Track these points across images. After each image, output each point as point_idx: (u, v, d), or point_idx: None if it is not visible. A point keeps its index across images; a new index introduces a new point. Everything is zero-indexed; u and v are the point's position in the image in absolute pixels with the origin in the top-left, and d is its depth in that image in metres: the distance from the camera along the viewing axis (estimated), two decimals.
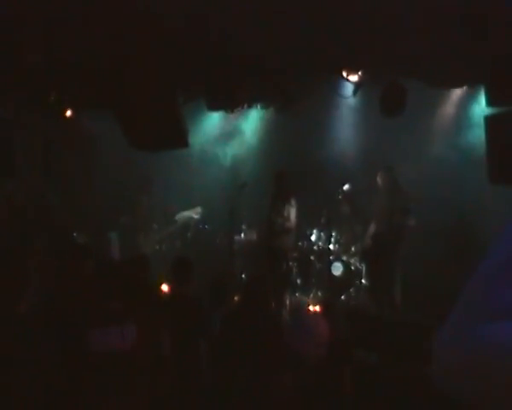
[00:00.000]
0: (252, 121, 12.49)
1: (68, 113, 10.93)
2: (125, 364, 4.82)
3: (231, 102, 10.02)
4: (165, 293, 6.94)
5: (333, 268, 10.49)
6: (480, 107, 8.12)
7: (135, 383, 4.93)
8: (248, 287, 5.93)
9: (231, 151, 12.84)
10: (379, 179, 10.00)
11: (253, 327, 5.53)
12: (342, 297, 10.36)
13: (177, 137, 8.43)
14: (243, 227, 11.37)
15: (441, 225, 10.28)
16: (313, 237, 10.93)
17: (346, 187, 10.65)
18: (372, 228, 10.16)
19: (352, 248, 10.79)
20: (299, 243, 11.00)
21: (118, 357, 4.80)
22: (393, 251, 9.71)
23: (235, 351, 5.51)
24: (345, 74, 9.07)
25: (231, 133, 12.72)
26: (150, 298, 5.99)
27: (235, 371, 5.45)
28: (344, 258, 10.65)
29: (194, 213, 12.13)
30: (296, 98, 10.14)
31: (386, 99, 8.64)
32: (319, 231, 10.88)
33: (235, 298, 9.15)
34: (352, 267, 10.56)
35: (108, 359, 4.78)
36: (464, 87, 9.48)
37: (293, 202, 10.00)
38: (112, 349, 4.81)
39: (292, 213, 9.96)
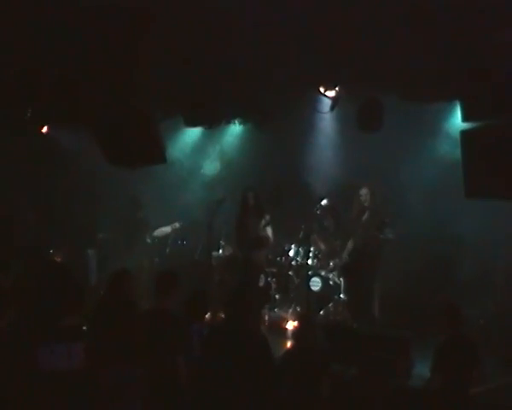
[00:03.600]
0: (230, 137, 12.48)
1: (44, 129, 10.88)
2: (73, 384, 4.70)
3: (209, 118, 10.02)
4: (143, 308, 6.87)
5: (311, 283, 10.46)
6: (456, 121, 8.18)
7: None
8: (229, 303, 5.89)
9: (209, 167, 12.82)
10: (357, 194, 10.04)
11: (234, 342, 5.49)
12: (321, 312, 10.35)
13: (155, 152, 8.40)
14: (221, 243, 11.34)
15: (419, 239, 10.33)
16: (291, 253, 10.92)
17: (323, 202, 10.67)
18: (350, 243, 10.19)
19: (331, 263, 10.79)
20: (278, 259, 10.99)
21: (66, 376, 4.68)
22: (371, 266, 9.73)
23: (217, 367, 5.47)
24: (322, 90, 9.11)
25: (209, 149, 12.72)
26: (112, 315, 5.92)
27: (217, 387, 5.40)
28: (322, 273, 10.63)
29: (172, 229, 12.09)
30: (274, 114, 10.16)
31: (363, 114, 8.68)
32: (297, 246, 10.88)
33: (214, 314, 9.15)
34: (331, 282, 10.55)
35: (57, 378, 4.66)
36: (440, 102, 9.55)
37: (267, 217, 10.07)
38: (59, 368, 4.68)
39: (268, 230, 10.01)
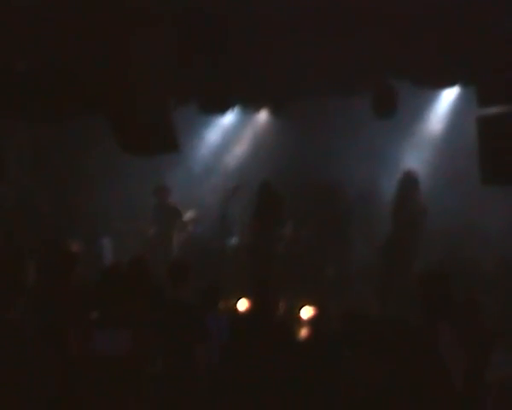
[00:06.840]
0: (244, 124, 12.45)
1: (58, 117, 10.86)
2: (120, 368, 4.81)
3: (223, 105, 10.01)
4: (160, 297, 6.88)
5: (326, 271, 10.46)
6: (472, 107, 8.11)
7: (131, 389, 4.91)
8: (255, 292, 5.89)
9: (224, 154, 12.80)
10: (398, 182, 9.86)
11: (262, 333, 5.49)
12: (336, 298, 10.33)
13: (169, 141, 8.40)
14: (235, 231, 11.33)
15: (436, 228, 10.26)
16: (307, 239, 10.91)
17: (338, 189, 10.65)
18: (387, 229, 10.03)
19: (346, 250, 10.76)
20: (293, 245, 10.97)
21: (113, 361, 4.81)
22: (410, 252, 9.60)
23: (244, 358, 5.46)
24: (337, 78, 9.05)
25: (223, 136, 12.69)
26: (147, 302, 5.94)
27: (241, 377, 5.39)
28: (337, 259, 10.62)
29: (187, 217, 12.07)
30: (288, 101, 10.13)
31: (377, 101, 8.65)
32: (313, 232, 10.86)
33: (228, 302, 9.16)
34: (345, 269, 10.53)
35: (106, 362, 4.78)
36: (456, 87, 9.49)
37: (285, 209, 10.06)
38: (110, 352, 4.81)
39: (284, 221, 10.02)
